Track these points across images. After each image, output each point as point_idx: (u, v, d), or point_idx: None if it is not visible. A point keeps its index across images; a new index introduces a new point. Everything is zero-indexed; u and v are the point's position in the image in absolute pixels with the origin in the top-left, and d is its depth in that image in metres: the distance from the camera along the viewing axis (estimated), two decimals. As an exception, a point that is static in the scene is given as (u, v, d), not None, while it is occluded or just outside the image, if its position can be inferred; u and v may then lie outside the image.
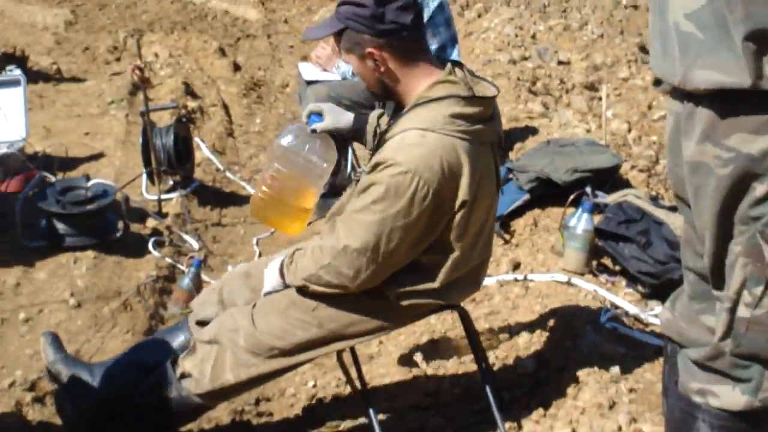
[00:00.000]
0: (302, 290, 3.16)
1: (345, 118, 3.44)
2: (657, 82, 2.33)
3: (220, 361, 3.20)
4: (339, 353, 3.31)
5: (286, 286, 3.23)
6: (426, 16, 5.63)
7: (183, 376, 3.25)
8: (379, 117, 3.49)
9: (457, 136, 2.91)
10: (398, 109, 3.14)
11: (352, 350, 3.78)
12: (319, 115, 3.41)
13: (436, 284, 3.10)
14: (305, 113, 3.44)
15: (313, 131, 3.37)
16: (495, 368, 3.94)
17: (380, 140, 3.06)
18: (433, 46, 5.57)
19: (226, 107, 8.17)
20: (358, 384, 3.47)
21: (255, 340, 3.18)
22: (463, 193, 2.93)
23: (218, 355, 3.21)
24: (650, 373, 3.66)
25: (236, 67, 9.49)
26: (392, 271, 3.04)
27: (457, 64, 3.09)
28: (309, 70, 6.10)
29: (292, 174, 3.37)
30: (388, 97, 3.14)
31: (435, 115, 2.92)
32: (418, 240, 2.97)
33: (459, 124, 2.92)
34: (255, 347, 3.18)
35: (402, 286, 3.09)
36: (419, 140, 2.88)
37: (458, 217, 2.98)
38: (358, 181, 3.21)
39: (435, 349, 4.25)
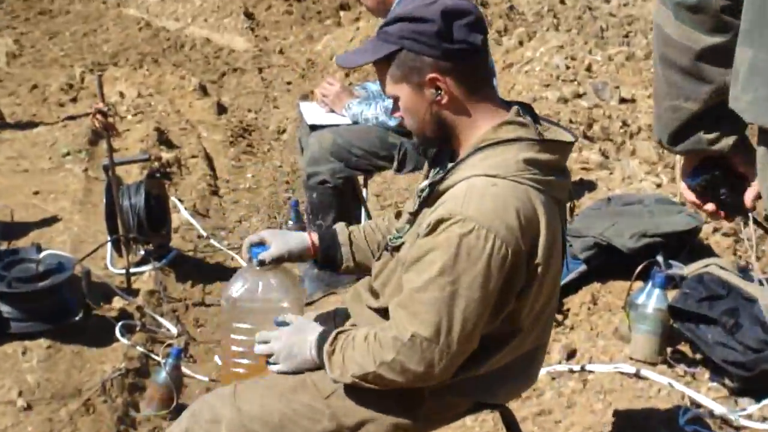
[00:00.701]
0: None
1: (294, 239, 3.46)
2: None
3: None
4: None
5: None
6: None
7: None
8: (351, 232, 3.52)
9: (532, 185, 2.89)
10: (440, 162, 3.16)
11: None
12: (261, 244, 3.43)
13: (482, 370, 3.07)
14: (244, 247, 3.45)
15: (261, 264, 3.39)
16: (547, 482, 3.93)
17: (432, 191, 3.03)
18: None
19: (209, 159, 8.23)
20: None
21: (243, 431, 3.11)
22: (540, 253, 2.90)
23: None
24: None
25: (221, 109, 9.59)
26: (464, 358, 2.97)
27: (522, 105, 3.09)
28: (312, 112, 6.10)
29: (256, 327, 3.35)
30: (442, 142, 3.11)
31: (506, 159, 2.90)
32: (492, 317, 2.92)
33: (533, 172, 2.90)
34: None
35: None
36: (491, 189, 2.85)
37: (533, 285, 2.95)
38: (395, 248, 3.19)
39: (472, 458, 4.26)
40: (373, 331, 2.99)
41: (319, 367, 3.11)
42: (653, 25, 2.46)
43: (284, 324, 3.23)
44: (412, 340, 2.86)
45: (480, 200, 2.82)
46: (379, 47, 3.02)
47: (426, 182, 3.17)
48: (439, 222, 2.84)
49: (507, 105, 3.06)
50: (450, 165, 3.00)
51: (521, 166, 2.88)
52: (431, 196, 3.01)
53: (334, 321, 3.40)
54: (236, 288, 3.41)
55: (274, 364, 3.19)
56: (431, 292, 2.84)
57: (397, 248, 3.16)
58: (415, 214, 3.14)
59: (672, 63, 2.42)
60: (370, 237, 3.53)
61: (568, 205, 3.17)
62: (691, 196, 2.69)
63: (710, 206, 2.66)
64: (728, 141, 2.49)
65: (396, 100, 3.06)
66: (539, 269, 2.92)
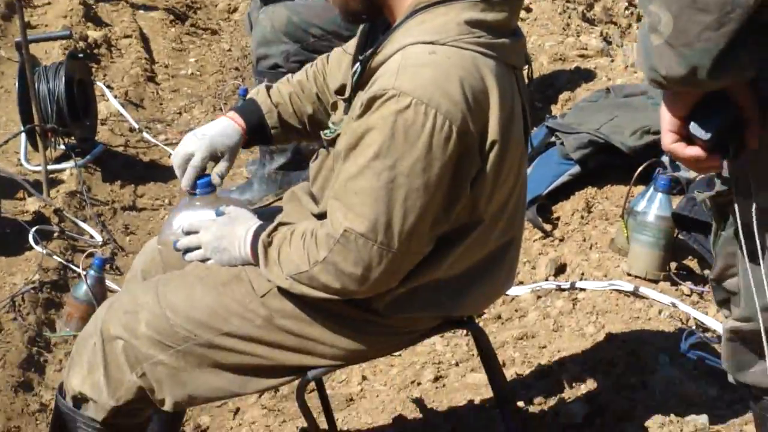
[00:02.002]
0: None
1: (220, 137, 3.38)
2: None
3: (114, 359, 3.13)
4: (300, 390, 3.26)
5: None
6: None
7: (79, 401, 3.21)
8: (272, 95, 3.47)
9: (478, 51, 2.88)
10: (374, 36, 3.14)
11: (320, 387, 3.78)
12: (205, 174, 3.37)
13: (440, 272, 3.04)
14: (177, 169, 3.37)
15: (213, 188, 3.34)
16: (527, 416, 3.93)
17: (364, 70, 3.01)
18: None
19: (145, 39, 8.19)
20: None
21: (164, 323, 3.10)
22: (493, 130, 2.89)
23: (108, 353, 3.13)
24: (752, 425, 3.65)
25: (161, -18, 9.49)
26: (412, 266, 2.97)
27: None
28: None
29: None
30: (372, 15, 3.09)
31: (444, 21, 2.87)
32: (442, 209, 2.91)
33: (478, 35, 2.88)
34: (162, 335, 3.09)
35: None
36: (427, 58, 2.83)
37: (487, 166, 2.92)
38: (331, 141, 3.19)
39: (442, 387, 4.25)
40: (312, 227, 2.98)
41: (252, 265, 3.11)
42: None
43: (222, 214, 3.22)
44: (345, 236, 2.87)
45: (416, 71, 2.81)
46: None
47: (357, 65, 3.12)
48: (373, 100, 2.82)
49: None
50: (381, 38, 2.99)
51: (464, 28, 2.87)
52: (364, 76, 3.00)
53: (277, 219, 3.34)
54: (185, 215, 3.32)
55: (204, 260, 3.19)
56: (366, 179, 2.83)
57: (333, 142, 3.16)
58: (349, 100, 3.11)
59: None
60: (296, 93, 3.49)
61: (525, 71, 3.12)
62: (695, 151, 2.37)
63: (715, 161, 2.39)
64: (755, 63, 2.25)
65: None
66: (495, 149, 2.91)
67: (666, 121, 2.36)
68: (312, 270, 2.93)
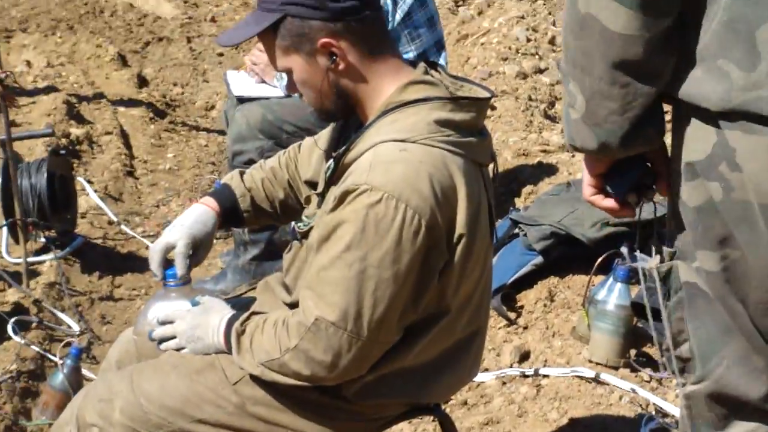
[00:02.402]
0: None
1: (195, 222, 3.38)
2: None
3: None
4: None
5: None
6: (399, 14, 5.65)
7: None
8: (245, 180, 3.50)
9: (447, 149, 2.90)
10: (346, 133, 3.18)
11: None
12: (171, 266, 3.36)
13: (408, 361, 3.04)
14: (154, 262, 3.35)
15: (183, 279, 3.33)
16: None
17: (337, 166, 3.02)
18: (410, 53, 5.58)
19: (125, 136, 8.20)
20: None
21: (137, 411, 3.09)
22: (460, 224, 2.91)
23: None
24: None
25: (142, 82, 9.58)
26: (380, 354, 2.97)
27: (433, 64, 3.12)
28: (241, 83, 6.14)
29: None
30: (345, 113, 3.11)
31: (414, 121, 2.90)
32: (410, 299, 2.91)
33: (447, 134, 2.91)
34: (137, 423, 3.08)
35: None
36: (398, 155, 2.85)
37: (455, 259, 2.94)
38: (304, 234, 3.18)
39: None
40: (283, 315, 2.99)
41: (225, 353, 3.11)
42: (578, 26, 2.39)
43: (197, 304, 3.23)
44: (316, 325, 2.88)
45: (388, 167, 2.84)
46: (261, 18, 3.04)
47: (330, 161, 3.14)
48: (345, 194, 2.85)
49: (413, 65, 3.10)
50: (354, 135, 3.01)
51: (433, 127, 2.90)
52: (337, 172, 3.01)
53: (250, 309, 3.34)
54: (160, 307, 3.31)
55: (178, 349, 3.19)
56: (338, 270, 2.85)
57: (306, 234, 3.16)
58: (322, 195, 3.12)
59: (619, 60, 2.36)
60: (269, 179, 3.50)
61: (491, 168, 3.15)
62: (610, 203, 2.62)
63: (629, 211, 2.66)
64: (662, 132, 2.50)
65: (289, 73, 3.06)
66: (462, 243, 2.93)
67: (586, 177, 2.58)
68: (283, 357, 2.93)
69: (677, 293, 2.58)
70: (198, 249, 3.36)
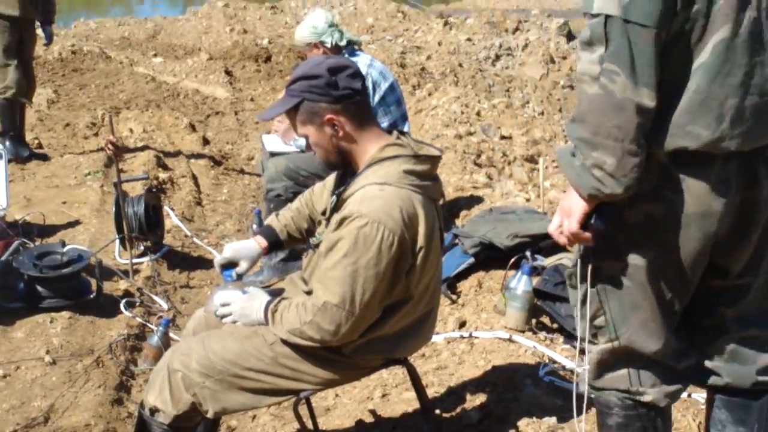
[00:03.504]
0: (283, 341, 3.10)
1: (248, 250, 3.43)
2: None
3: (175, 384, 3.14)
4: (295, 404, 3.26)
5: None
6: (377, 97, 5.67)
7: (153, 411, 3.18)
8: (280, 220, 3.52)
9: (411, 189, 2.95)
10: (344, 178, 3.19)
11: (308, 402, 3.76)
12: (230, 266, 3.40)
13: (386, 330, 3.08)
14: (218, 267, 3.42)
15: (239, 277, 3.38)
16: (441, 419, 3.90)
17: (338, 200, 3.06)
18: (384, 123, 5.59)
19: (195, 178, 8.16)
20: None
21: (207, 361, 3.11)
22: (420, 239, 2.95)
23: (172, 380, 3.14)
24: (585, 422, 3.64)
25: (205, 141, 9.53)
26: (367, 325, 3.01)
27: (402, 132, 3.15)
28: (272, 142, 6.13)
29: None
30: (344, 164, 3.13)
31: (389, 171, 2.95)
32: (387, 289, 2.96)
33: (411, 179, 2.96)
34: (206, 368, 3.11)
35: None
36: (379, 193, 2.90)
37: (417, 262, 2.98)
38: (317, 245, 3.21)
39: (387, 401, 4.21)
40: (302, 300, 3.04)
41: (264, 324, 3.14)
42: (616, 108, 2.35)
43: (246, 293, 3.27)
44: (324, 306, 2.94)
45: (371, 201, 2.89)
46: (287, 101, 3.06)
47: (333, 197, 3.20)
48: (343, 220, 2.92)
49: (389, 132, 3.12)
50: (349, 180, 3.08)
51: (402, 175, 2.96)
52: (338, 204, 3.07)
53: (281, 295, 3.35)
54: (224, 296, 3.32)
55: (233, 322, 3.22)
56: (338, 270, 2.91)
57: (318, 245, 3.19)
58: (328, 219, 3.16)
59: (642, 126, 2.37)
60: (296, 216, 3.52)
61: (441, 203, 3.20)
62: (587, 235, 2.53)
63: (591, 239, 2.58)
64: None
65: (307, 138, 3.08)
66: (422, 252, 2.98)
67: (577, 214, 2.49)
68: (302, 327, 2.98)
69: (601, 284, 2.62)
70: (243, 263, 3.41)
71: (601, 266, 2.61)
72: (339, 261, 2.91)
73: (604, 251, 2.58)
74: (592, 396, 2.83)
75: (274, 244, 3.52)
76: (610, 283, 2.62)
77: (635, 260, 2.56)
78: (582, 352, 2.68)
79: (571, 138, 2.47)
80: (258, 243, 3.47)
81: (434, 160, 3.08)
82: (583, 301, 2.68)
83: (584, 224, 2.51)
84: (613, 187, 2.40)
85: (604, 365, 2.74)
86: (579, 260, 2.65)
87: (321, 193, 3.46)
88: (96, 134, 9.17)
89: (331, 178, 3.40)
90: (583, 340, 2.74)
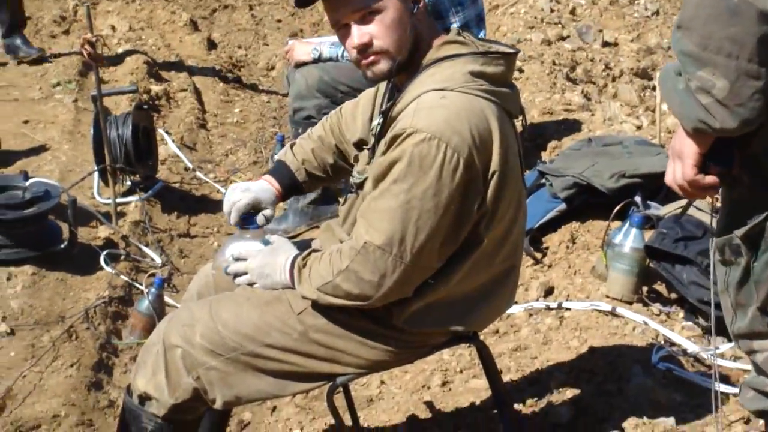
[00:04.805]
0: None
1: (262, 192, 3.42)
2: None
3: (173, 364, 3.13)
4: (330, 393, 3.24)
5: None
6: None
7: (143, 399, 3.21)
8: (297, 154, 3.50)
9: (482, 96, 2.92)
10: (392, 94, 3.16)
11: (346, 391, 3.77)
12: (252, 213, 3.39)
13: (450, 290, 3.05)
14: (234, 219, 3.40)
15: (261, 225, 3.37)
16: (521, 417, 3.91)
17: (385, 121, 3.04)
18: (455, 23, 5.54)
19: (197, 93, 8.17)
20: (353, 433, 3.45)
21: (215, 335, 3.11)
22: (494, 163, 2.91)
23: (169, 358, 3.14)
24: (713, 426, 3.63)
25: (211, 45, 9.51)
26: (422, 278, 2.99)
27: (463, 29, 3.13)
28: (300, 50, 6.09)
29: None
30: (401, 69, 3.03)
31: (452, 73, 2.93)
32: (451, 230, 2.92)
33: (481, 84, 2.93)
34: (214, 344, 3.10)
35: (408, 299, 3.03)
36: (439, 101, 2.87)
37: (488, 194, 2.94)
38: (359, 185, 3.19)
39: (449, 391, 4.23)
40: (338, 246, 3.02)
41: (291, 288, 3.12)
42: (729, 14, 2.26)
43: (268, 243, 3.25)
44: (365, 248, 2.90)
45: (430, 112, 2.85)
46: None
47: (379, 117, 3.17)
48: (394, 138, 2.88)
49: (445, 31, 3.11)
50: (397, 95, 3.03)
51: (468, 78, 2.93)
52: (385, 126, 3.04)
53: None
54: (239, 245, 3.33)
55: (250, 284, 3.22)
56: (385, 200, 2.88)
57: (361, 185, 3.18)
58: (372, 149, 3.14)
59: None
60: (318, 148, 3.51)
61: (519, 120, 3.16)
62: (712, 180, 2.47)
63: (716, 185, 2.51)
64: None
65: (376, 14, 2.96)
66: (495, 180, 2.94)
67: (690, 157, 2.43)
68: (336, 279, 2.95)
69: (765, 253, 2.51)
70: (261, 209, 3.40)
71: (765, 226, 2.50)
72: (387, 188, 2.87)
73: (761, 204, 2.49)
74: None
75: (290, 187, 3.50)
76: None
77: None
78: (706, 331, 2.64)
79: (675, 52, 2.40)
80: (270, 184, 3.46)
81: (509, 59, 3.05)
82: (742, 283, 2.61)
83: (704, 166, 2.46)
84: (725, 119, 2.33)
85: None
86: (725, 219, 2.56)
87: (353, 114, 3.44)
88: (66, 32, 9.18)
89: (367, 96, 3.40)
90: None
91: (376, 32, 2.97)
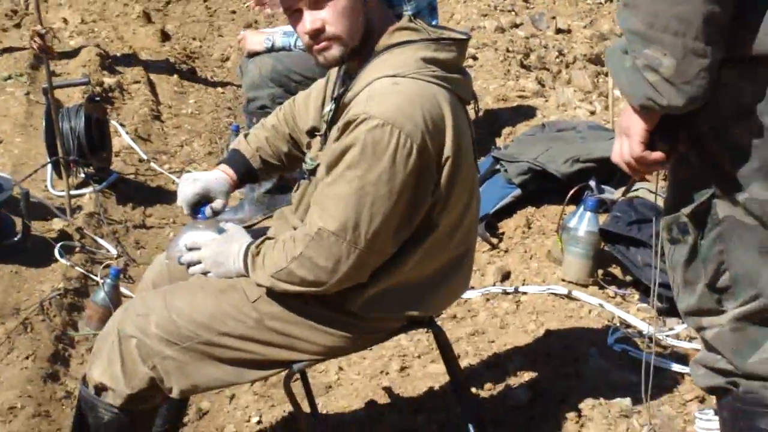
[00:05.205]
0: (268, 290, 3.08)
1: (215, 183, 3.39)
2: None
3: (128, 354, 3.11)
4: (287, 380, 3.23)
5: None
6: (398, -27, 5.60)
7: (99, 390, 3.18)
8: (251, 142, 3.49)
9: (434, 82, 2.91)
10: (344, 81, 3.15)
11: (304, 377, 3.76)
12: (204, 202, 3.36)
13: (405, 275, 3.04)
14: (187, 208, 3.37)
15: (215, 214, 3.36)
16: (479, 400, 3.92)
17: (338, 107, 3.03)
18: (407, 11, 5.53)
19: (151, 84, 8.14)
20: (311, 420, 3.43)
21: (170, 324, 3.09)
22: (447, 148, 2.91)
23: (124, 349, 3.11)
24: (668, 405, 3.65)
25: (165, 37, 9.46)
26: (377, 264, 2.98)
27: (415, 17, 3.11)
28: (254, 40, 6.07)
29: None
30: (353, 55, 3.03)
31: (404, 59, 2.92)
32: (404, 216, 2.92)
33: (433, 70, 2.93)
34: (169, 334, 3.08)
35: (363, 285, 3.03)
36: (393, 88, 2.86)
37: (442, 180, 2.94)
38: (312, 171, 3.18)
39: (407, 376, 4.23)
40: (292, 233, 3.01)
41: (245, 276, 3.11)
42: None
43: (223, 232, 3.25)
44: (319, 234, 2.90)
45: (383, 98, 2.85)
46: None
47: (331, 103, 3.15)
48: (347, 124, 2.86)
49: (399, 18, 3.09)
50: (349, 82, 3.03)
51: (421, 64, 2.92)
52: (338, 112, 3.03)
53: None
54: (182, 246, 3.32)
55: (204, 272, 3.20)
56: (339, 186, 2.87)
57: (314, 171, 3.17)
58: (324, 135, 3.13)
59: (711, 15, 2.25)
60: (272, 136, 3.50)
61: (471, 107, 3.16)
62: (658, 155, 2.46)
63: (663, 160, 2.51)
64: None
65: (324, 3, 2.95)
66: (449, 166, 2.94)
67: (637, 134, 2.43)
68: (290, 265, 2.94)
69: (716, 227, 2.49)
70: (214, 200, 3.38)
71: (712, 204, 2.49)
72: (341, 174, 2.86)
73: (708, 182, 2.48)
74: (736, 387, 2.69)
75: (246, 174, 3.49)
76: (729, 226, 2.51)
77: (760, 191, 2.48)
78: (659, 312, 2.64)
79: (622, 29, 2.40)
80: (224, 173, 3.44)
81: (461, 45, 3.04)
82: (690, 261, 2.61)
83: (651, 143, 2.46)
84: (671, 96, 2.32)
85: (748, 339, 2.58)
86: (672, 198, 2.56)
87: (305, 103, 3.43)
88: (18, 25, 9.11)
89: (318, 85, 3.39)
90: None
91: (328, 18, 2.95)
